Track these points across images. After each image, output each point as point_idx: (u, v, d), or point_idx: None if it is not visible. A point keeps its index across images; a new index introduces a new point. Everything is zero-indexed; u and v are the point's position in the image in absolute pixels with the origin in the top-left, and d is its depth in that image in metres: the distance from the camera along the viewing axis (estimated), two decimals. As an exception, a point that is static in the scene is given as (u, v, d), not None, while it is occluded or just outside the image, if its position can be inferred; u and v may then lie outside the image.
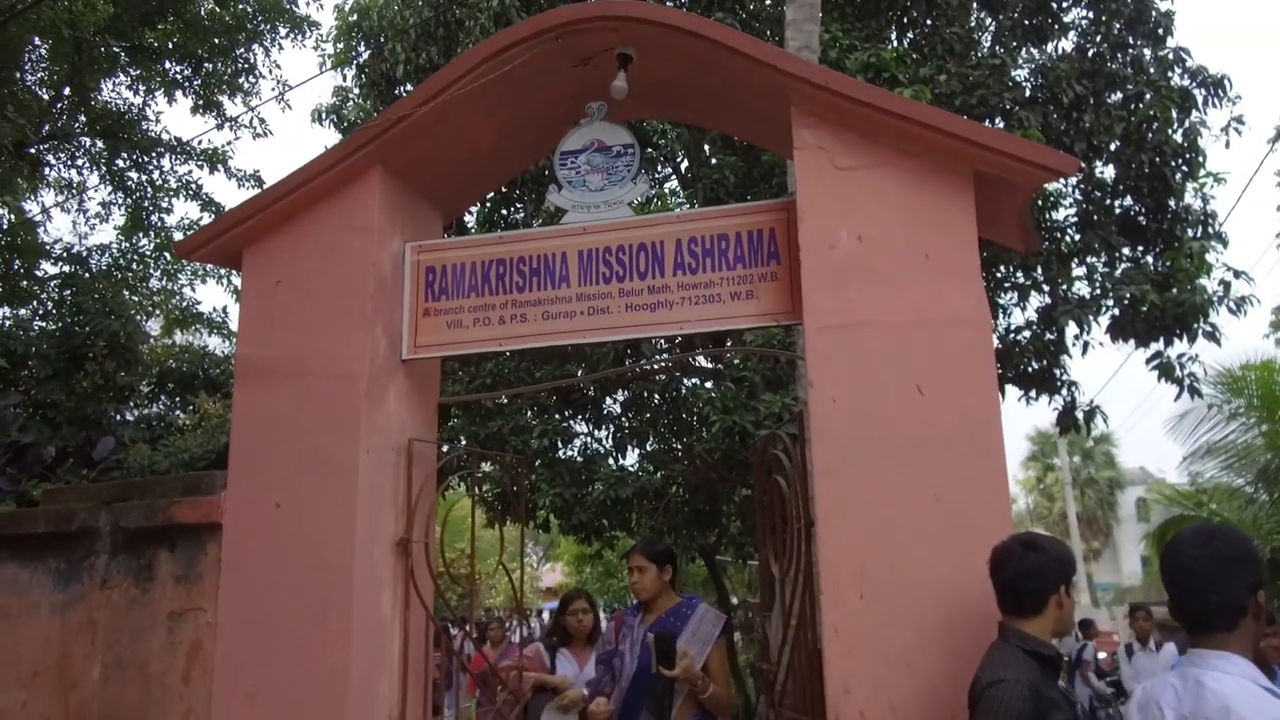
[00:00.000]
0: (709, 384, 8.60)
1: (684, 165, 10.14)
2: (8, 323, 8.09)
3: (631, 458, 9.94)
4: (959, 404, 3.15)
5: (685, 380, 9.63)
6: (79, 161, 9.78)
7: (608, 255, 3.76)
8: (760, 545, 4.11)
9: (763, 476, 4.03)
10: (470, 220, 9.90)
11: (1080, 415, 9.76)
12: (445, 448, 7.98)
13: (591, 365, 8.46)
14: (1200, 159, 9.61)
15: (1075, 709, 2.65)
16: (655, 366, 7.72)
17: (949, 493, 3.09)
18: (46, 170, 9.81)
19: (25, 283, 8.73)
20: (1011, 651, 2.63)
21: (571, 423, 9.66)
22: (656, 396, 9.99)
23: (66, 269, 8.57)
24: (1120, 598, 31.55)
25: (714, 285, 3.63)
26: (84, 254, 8.95)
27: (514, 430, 8.91)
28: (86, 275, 8.39)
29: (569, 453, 9.97)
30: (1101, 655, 11.56)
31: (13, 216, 9.18)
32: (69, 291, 7.80)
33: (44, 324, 8.20)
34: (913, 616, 3.01)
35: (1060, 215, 10.36)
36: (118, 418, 7.56)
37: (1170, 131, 9.39)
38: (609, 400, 10.09)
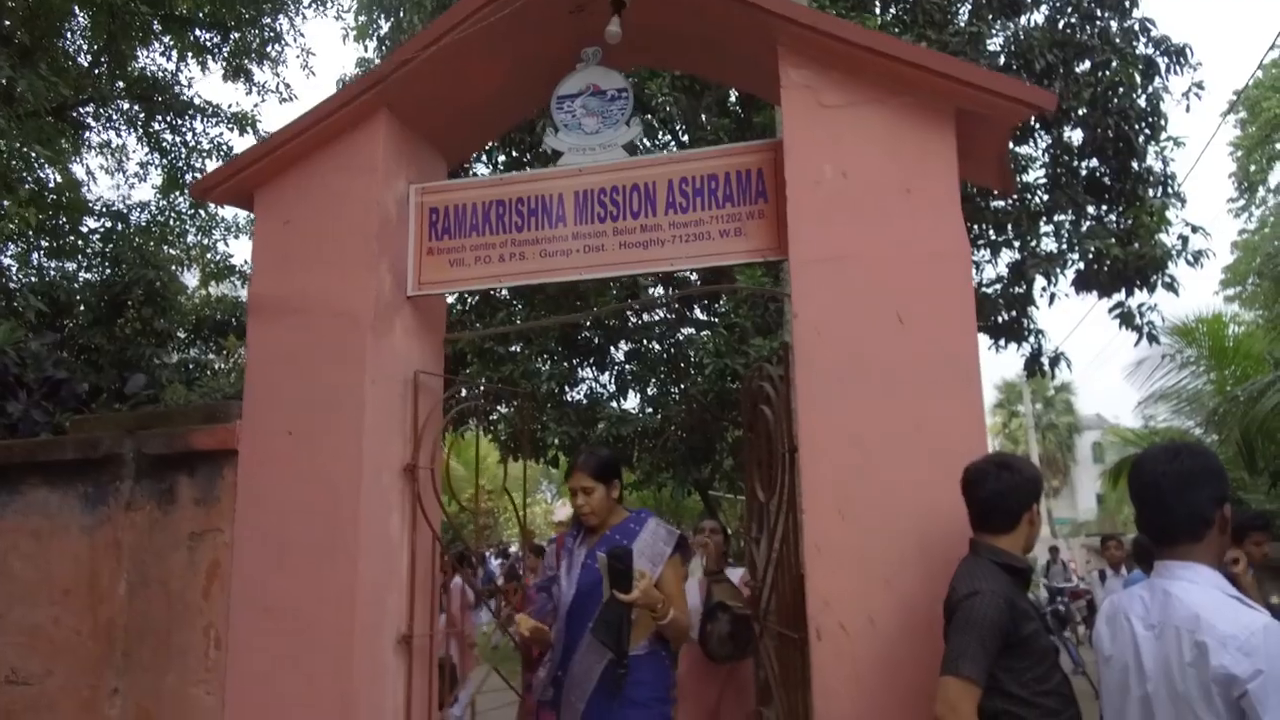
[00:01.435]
0: (705, 333, 8.38)
1: (681, 130, 9.86)
2: (53, 274, 7.90)
3: (632, 401, 9.79)
4: (938, 334, 2.96)
5: (682, 330, 9.43)
6: (117, 124, 9.51)
7: (602, 196, 3.55)
8: (748, 475, 3.95)
9: (750, 408, 3.86)
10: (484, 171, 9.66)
11: (1045, 361, 9.58)
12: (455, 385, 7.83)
13: (600, 314, 8.27)
14: (1162, 123, 9.33)
15: (1044, 620, 2.50)
16: (653, 307, 7.47)
17: (927, 418, 2.91)
18: (88, 134, 9.57)
19: (70, 238, 8.50)
20: (985, 565, 2.48)
21: (578, 368, 9.49)
22: (656, 345, 9.80)
23: (107, 224, 8.35)
24: (1076, 530, 31.63)
25: (704, 224, 3.43)
26: (124, 211, 8.71)
27: (525, 374, 8.74)
28: (126, 230, 8.16)
29: (575, 396, 9.81)
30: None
31: (58, 177, 8.93)
32: (109, 245, 7.60)
33: (87, 275, 8.01)
34: (891, 536, 2.85)
35: (1030, 177, 10.11)
36: (157, 361, 7.39)
37: (1135, 97, 9.11)
38: (613, 349, 9.92)
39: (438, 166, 4.01)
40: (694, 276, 8.59)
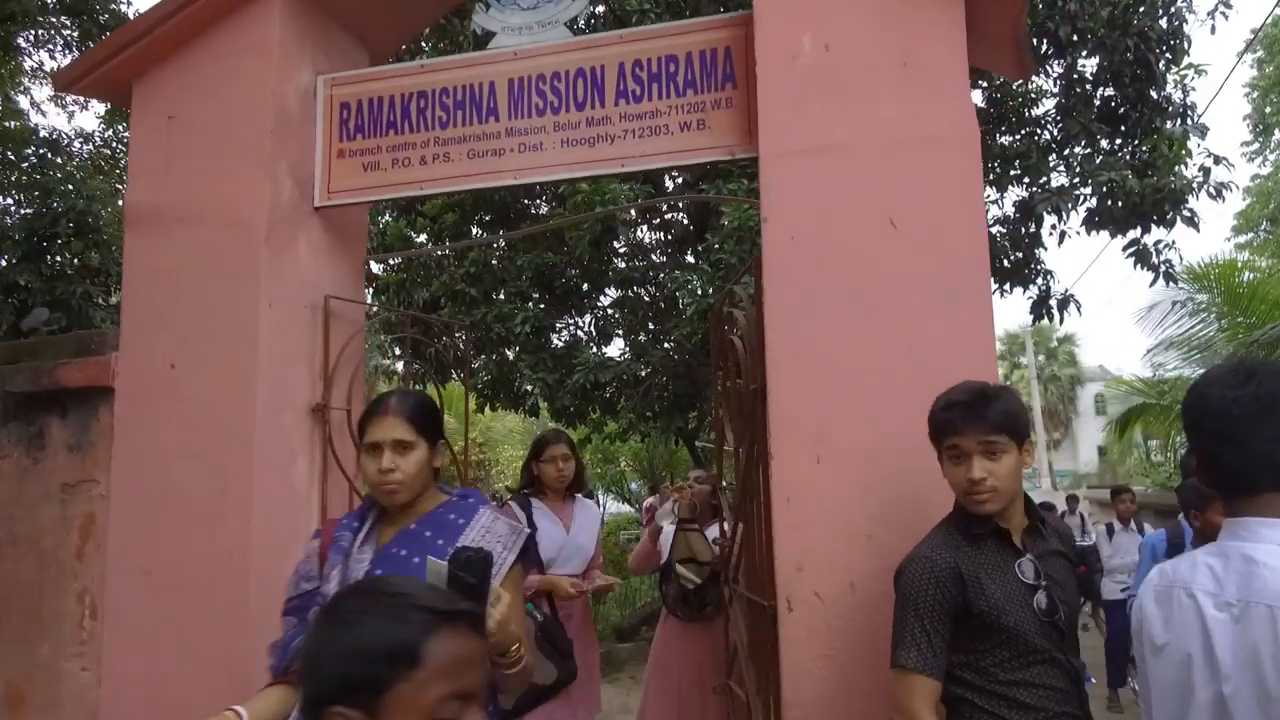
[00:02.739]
0: (691, 276, 7.77)
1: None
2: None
3: (618, 347, 9.25)
4: (939, 239, 2.42)
5: (674, 274, 8.83)
6: (53, 45, 8.82)
7: (541, 84, 2.98)
8: (716, 416, 3.43)
9: (718, 339, 3.32)
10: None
11: (1054, 304, 9.02)
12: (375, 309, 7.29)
13: (572, 251, 7.68)
14: (1185, 45, 8.64)
15: (1049, 591, 1.97)
16: (608, 215, 6.79)
17: (924, 343, 2.38)
18: (23, 59, 8.87)
19: (4, 167, 7.92)
20: (942, 523, 2.02)
21: (557, 314, 8.92)
22: (643, 292, 9.25)
23: (45, 154, 7.75)
24: (1077, 483, 31.30)
25: (661, 115, 2.86)
26: (58, 139, 8.08)
27: (498, 318, 8.19)
28: (62, 161, 7.56)
29: (554, 341, 9.27)
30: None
31: (-3, 103, 8.33)
32: (40, 175, 7.00)
33: (19, 209, 7.42)
34: (877, 484, 2.34)
35: (1040, 110, 9.46)
36: (99, 301, 6.86)
37: (1155, 17, 8.41)
38: (600, 296, 9.35)
39: (356, 58, 3.42)
40: (680, 176, 8.00)
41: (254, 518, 2.79)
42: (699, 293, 6.61)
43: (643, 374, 8.22)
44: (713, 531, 4.11)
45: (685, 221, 8.20)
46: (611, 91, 2.90)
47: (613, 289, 9.31)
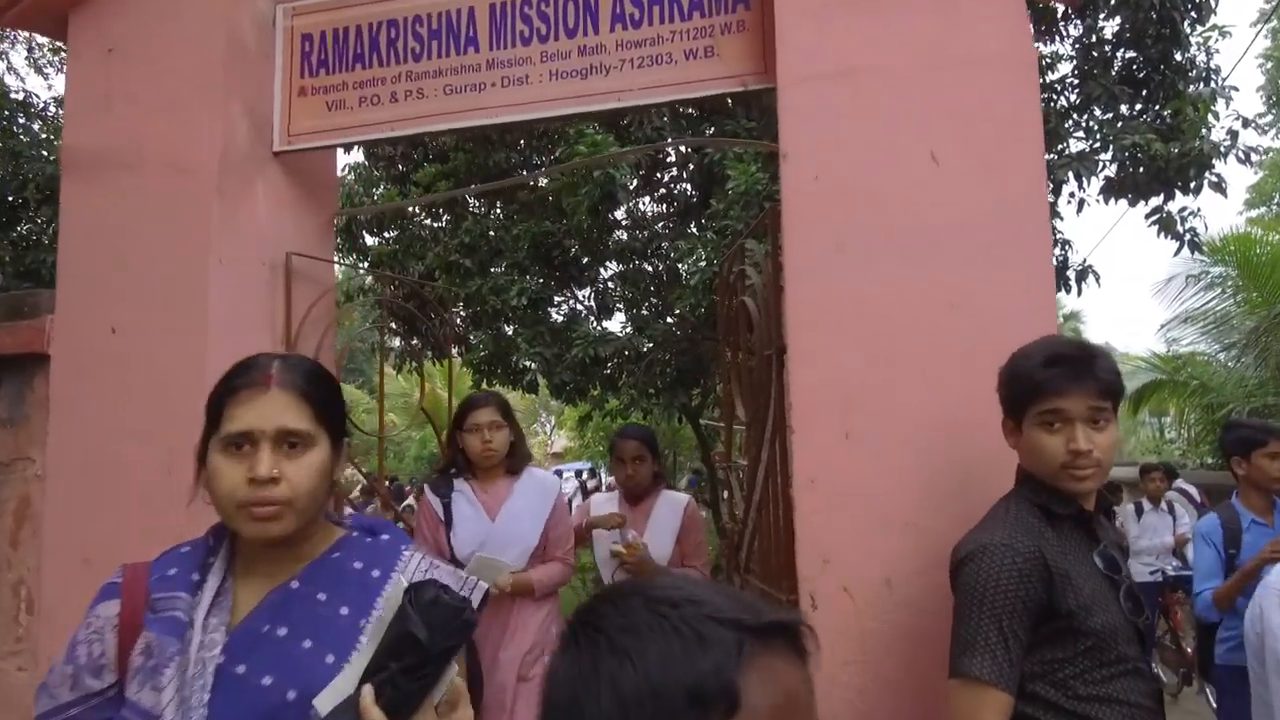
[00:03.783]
0: (699, 247, 7.33)
1: None
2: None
3: (619, 321, 8.90)
4: (990, 177, 2.06)
5: (678, 245, 8.45)
6: None
7: (526, 8, 2.61)
8: (725, 387, 3.09)
9: (727, 300, 2.98)
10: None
11: (1072, 275, 8.64)
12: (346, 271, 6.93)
13: (570, 219, 7.29)
14: (1212, 3, 8.22)
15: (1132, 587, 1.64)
16: (617, 158, 6.36)
17: (971, 298, 2.03)
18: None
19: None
20: (1013, 506, 1.67)
21: (555, 286, 8.55)
22: (646, 265, 8.87)
23: (14, 117, 7.37)
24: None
25: (663, 42, 2.50)
26: (37, 104, 7.70)
27: (493, 290, 7.83)
28: (31, 123, 7.19)
29: (553, 315, 8.92)
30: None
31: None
32: (5, 134, 6.64)
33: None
34: (917, 462, 2.00)
35: (1056, 75, 9.04)
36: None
37: (1183, -27, 7.99)
38: (600, 269, 8.98)
39: (323, -12, 3.04)
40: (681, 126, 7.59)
41: (202, 499, 2.45)
42: (704, 262, 6.24)
43: (645, 349, 7.87)
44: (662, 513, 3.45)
45: (689, 191, 7.80)
46: (606, 16, 2.54)
47: (613, 262, 8.95)
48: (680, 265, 7.43)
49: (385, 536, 1.32)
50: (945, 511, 1.96)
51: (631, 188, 7.35)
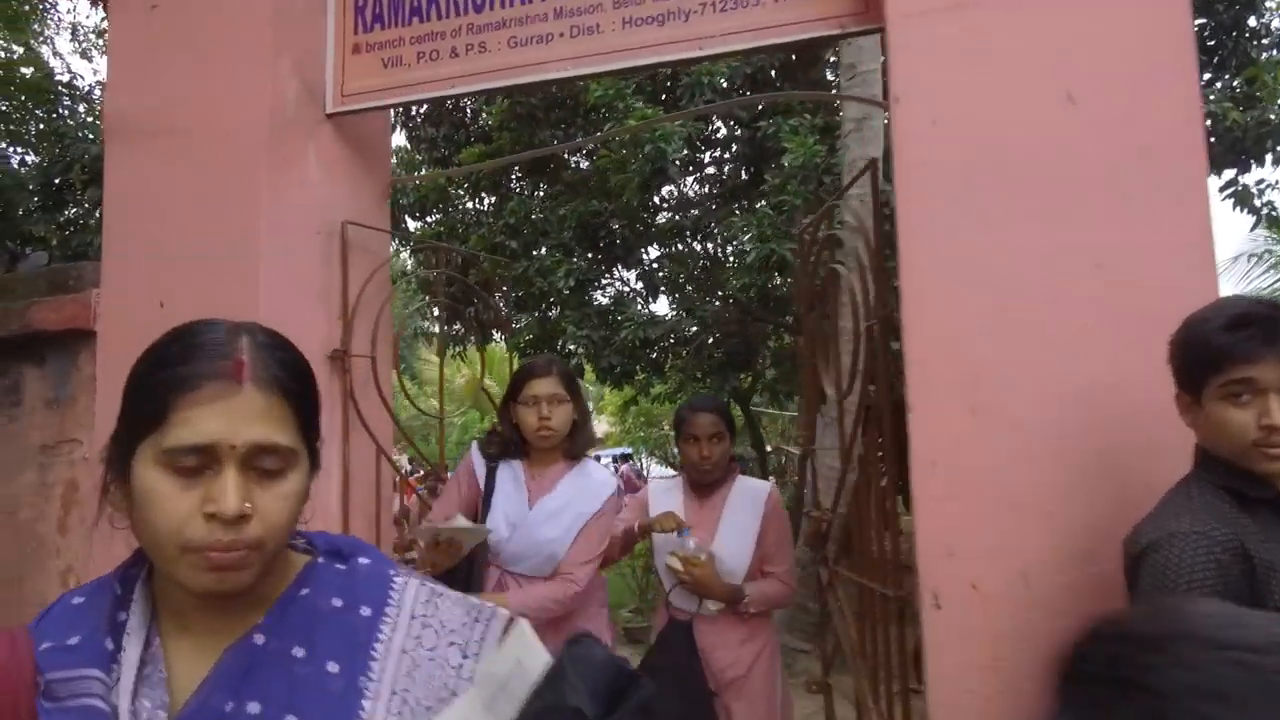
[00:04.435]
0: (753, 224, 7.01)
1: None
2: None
3: (664, 305, 8.69)
4: (1136, 120, 1.81)
5: (724, 225, 8.20)
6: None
7: (598, -51, 2.39)
8: (805, 357, 2.86)
9: (808, 265, 2.74)
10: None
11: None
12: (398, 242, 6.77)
13: (617, 198, 7.08)
14: (1290, -36, 7.77)
15: None
16: (690, 116, 6.04)
17: (1117, 257, 1.78)
18: (44, 4, 8.46)
19: (17, 116, 7.51)
20: (1194, 490, 1.42)
21: (602, 267, 8.36)
22: (695, 244, 8.64)
23: (65, 107, 7.34)
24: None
25: (749, -18, 2.26)
26: (83, 87, 7.67)
27: (539, 271, 7.66)
28: (77, 107, 7.15)
29: (598, 298, 8.74)
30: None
31: (20, 50, 7.88)
32: (51, 116, 6.57)
33: (33, 157, 7.02)
34: (1056, 443, 1.76)
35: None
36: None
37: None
38: (643, 251, 8.76)
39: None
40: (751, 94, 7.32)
41: (259, 486, 2.29)
42: (758, 237, 5.99)
43: (693, 331, 7.65)
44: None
45: (740, 167, 7.54)
46: (687, -45, 2.31)
47: (659, 244, 8.73)
48: (732, 244, 7.19)
49: (363, 560, 0.93)
50: (1089, 499, 1.73)
51: (681, 164, 7.10)
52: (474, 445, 2.68)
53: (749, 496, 2.85)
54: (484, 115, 8.90)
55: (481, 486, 2.56)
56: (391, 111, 3.05)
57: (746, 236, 6.08)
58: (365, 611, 0.88)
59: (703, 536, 2.79)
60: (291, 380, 0.89)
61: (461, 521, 2.40)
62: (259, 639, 0.84)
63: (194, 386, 0.82)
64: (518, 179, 8.87)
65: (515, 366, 2.80)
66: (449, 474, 2.91)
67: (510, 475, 2.54)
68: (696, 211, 7.85)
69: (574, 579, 2.43)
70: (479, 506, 2.57)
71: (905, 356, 1.86)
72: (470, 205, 9.42)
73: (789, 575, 2.82)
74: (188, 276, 2.42)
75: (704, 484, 2.90)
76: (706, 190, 8.12)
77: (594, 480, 2.58)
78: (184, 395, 0.81)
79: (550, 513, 2.46)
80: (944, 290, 1.84)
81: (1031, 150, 1.84)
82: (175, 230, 2.45)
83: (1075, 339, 1.77)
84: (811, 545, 2.70)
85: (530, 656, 0.80)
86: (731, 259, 7.75)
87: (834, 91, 5.71)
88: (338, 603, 0.88)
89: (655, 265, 8.78)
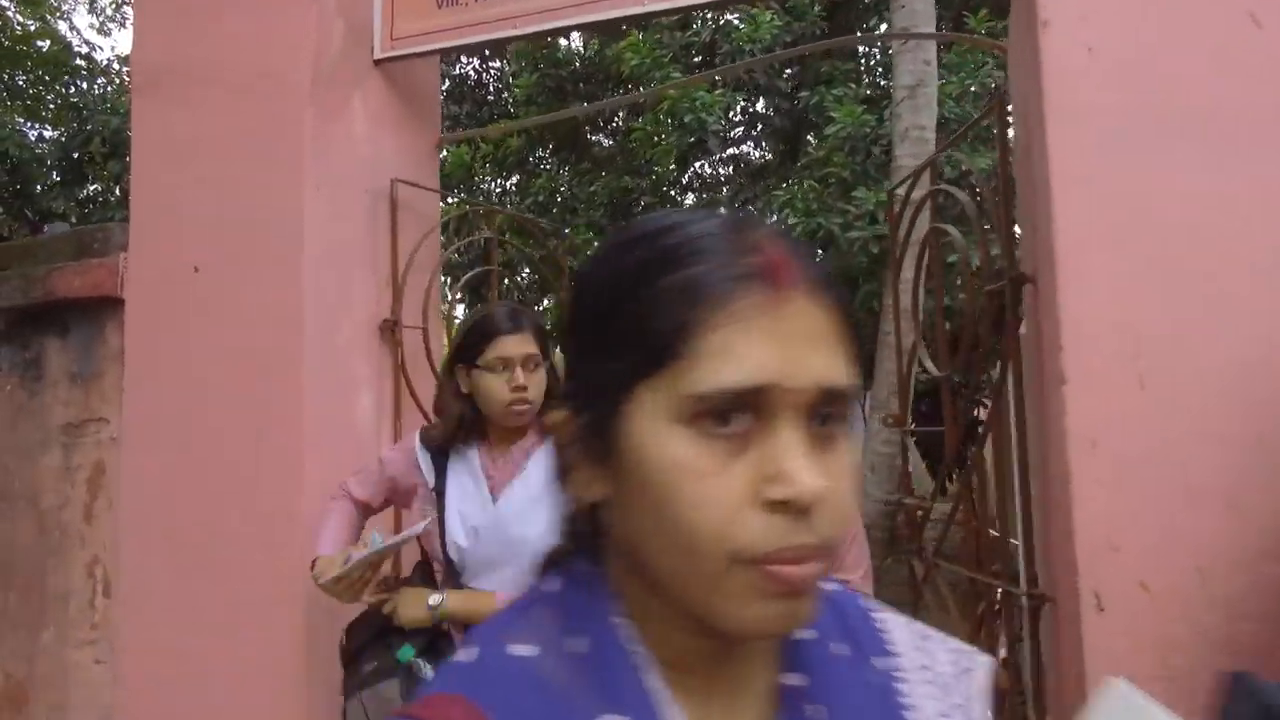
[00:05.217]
0: (782, 188, 6.66)
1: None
2: (19, 133, 6.72)
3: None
4: (1334, 41, 1.55)
5: (768, 196, 7.90)
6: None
7: None
8: (916, 323, 2.61)
9: (898, 225, 2.50)
10: None
11: None
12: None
13: (663, 167, 6.82)
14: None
15: None
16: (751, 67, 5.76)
17: (1310, 202, 1.53)
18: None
19: (37, 90, 7.31)
20: None
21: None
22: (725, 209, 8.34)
23: (85, 82, 7.13)
24: None
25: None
26: (102, 60, 7.47)
27: (568, 250, 7.43)
28: (95, 81, 6.94)
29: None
30: None
31: (34, 24, 7.70)
32: (69, 91, 6.37)
33: (52, 132, 6.82)
34: (1238, 419, 1.52)
35: None
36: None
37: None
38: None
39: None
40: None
41: (307, 469, 2.08)
42: (803, 210, 5.72)
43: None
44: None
45: (777, 142, 7.26)
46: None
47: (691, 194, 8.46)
48: (772, 219, 6.93)
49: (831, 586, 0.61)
50: (1276, 485, 1.49)
51: (719, 136, 6.83)
52: (415, 436, 1.90)
53: None
54: (506, 94, 8.67)
55: (430, 482, 1.84)
56: (440, 61, 2.82)
57: (790, 205, 5.80)
58: (879, 664, 0.59)
59: None
60: (836, 292, 0.53)
61: (378, 542, 1.71)
62: (811, 711, 0.54)
63: (727, 298, 0.47)
64: (544, 157, 8.63)
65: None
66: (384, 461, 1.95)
67: (464, 466, 1.84)
68: (729, 188, 7.58)
69: None
70: (439, 520, 1.82)
71: (1055, 322, 1.61)
72: (496, 183, 9.19)
73: (868, 581, 1.84)
74: (224, 238, 2.20)
75: None
76: (742, 165, 7.85)
77: None
78: (714, 312, 0.47)
79: (524, 501, 1.77)
80: (1104, 245, 1.59)
81: (1207, 82, 1.59)
82: (210, 189, 2.23)
83: (1259, 301, 1.53)
84: (905, 536, 2.47)
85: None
86: (771, 213, 7.50)
87: (890, 51, 5.44)
88: (844, 649, 0.58)
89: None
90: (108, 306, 2.32)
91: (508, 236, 7.94)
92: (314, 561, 1.78)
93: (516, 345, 1.77)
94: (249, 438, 2.12)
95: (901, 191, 2.53)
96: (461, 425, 1.83)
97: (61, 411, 2.38)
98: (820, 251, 6.02)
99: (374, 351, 2.36)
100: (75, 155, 5.83)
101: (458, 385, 1.83)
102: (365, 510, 1.93)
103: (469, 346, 1.80)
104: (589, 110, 4.95)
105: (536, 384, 1.79)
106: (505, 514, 1.76)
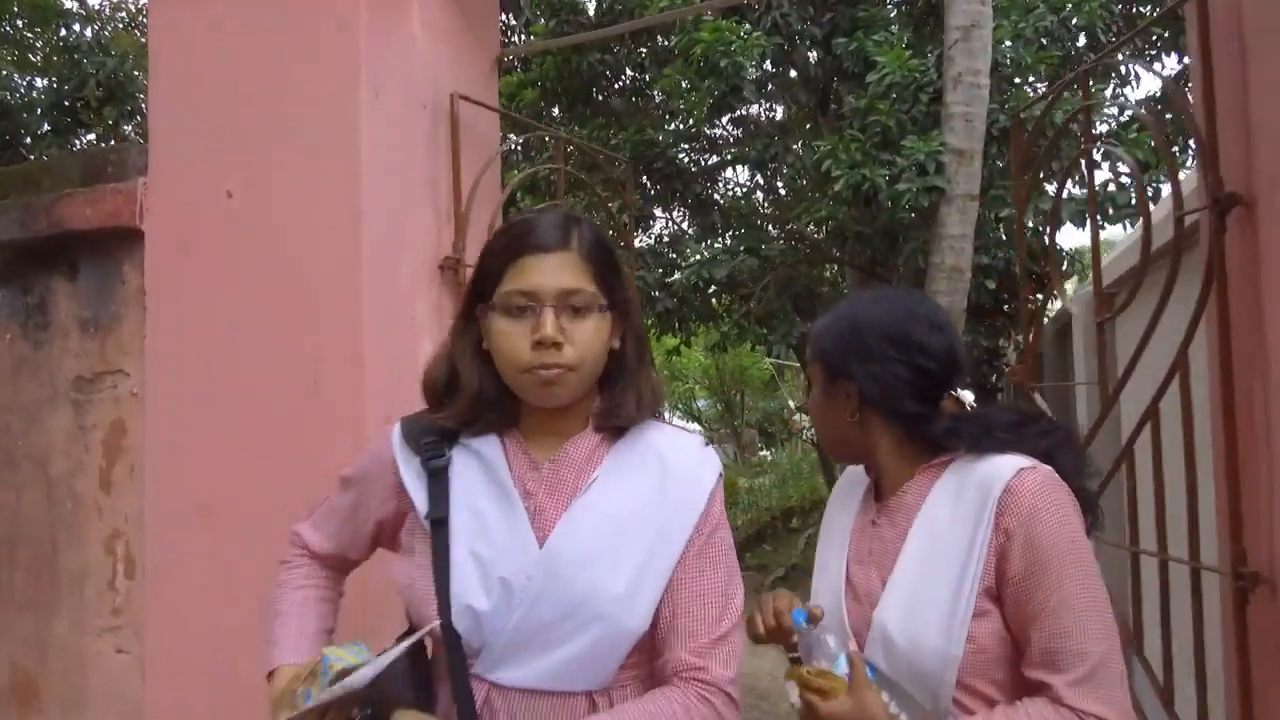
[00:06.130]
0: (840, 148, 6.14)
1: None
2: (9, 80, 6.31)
3: (720, 244, 8.11)
4: None
5: (808, 148, 7.52)
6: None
7: None
8: (1021, 261, 2.31)
9: (1028, 150, 2.18)
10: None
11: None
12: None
13: (696, 116, 6.43)
14: None
15: None
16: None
17: None
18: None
19: (25, 39, 6.89)
20: None
21: (654, 198, 7.78)
22: (761, 179, 8.02)
23: (79, 28, 6.71)
24: None
25: None
26: (99, 6, 7.04)
27: (588, 207, 7.09)
28: (87, 29, 6.51)
29: (646, 242, 8.18)
30: None
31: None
32: (63, 33, 5.97)
33: (44, 81, 6.42)
34: None
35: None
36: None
37: None
38: (707, 187, 8.13)
39: None
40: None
41: (366, 428, 1.77)
42: (847, 163, 5.38)
43: (755, 269, 7.07)
44: None
45: (811, 92, 6.89)
46: None
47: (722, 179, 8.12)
48: (805, 175, 6.61)
49: None
50: None
51: (757, 84, 6.47)
52: (394, 430, 1.23)
53: (964, 489, 1.14)
54: (519, 43, 8.27)
55: (421, 505, 1.16)
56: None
57: (834, 157, 5.44)
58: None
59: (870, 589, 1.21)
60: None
61: (326, 682, 1.09)
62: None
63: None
64: (560, 109, 8.25)
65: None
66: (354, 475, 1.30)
67: (482, 474, 1.17)
68: (762, 142, 7.22)
69: (712, 680, 1.09)
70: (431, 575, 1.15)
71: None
72: (510, 138, 8.83)
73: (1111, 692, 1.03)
74: (264, 157, 1.88)
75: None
76: (766, 120, 7.51)
77: (680, 456, 1.19)
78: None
79: (597, 536, 1.12)
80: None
81: None
82: (245, 98, 1.90)
83: None
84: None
85: None
86: (808, 190, 7.16)
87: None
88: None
89: (717, 199, 8.20)
90: (125, 240, 2.00)
91: (521, 197, 7.62)
92: (271, 672, 1.23)
93: (552, 271, 1.09)
94: (297, 393, 1.81)
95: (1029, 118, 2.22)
96: (479, 405, 1.15)
97: (72, 364, 2.06)
98: (866, 205, 5.71)
99: (434, 294, 2.05)
100: (68, 103, 5.45)
101: (476, 337, 1.16)
102: (337, 567, 1.33)
103: (485, 272, 1.15)
104: (637, 26, 4.61)
105: (583, 338, 1.10)
106: (563, 556, 1.09)
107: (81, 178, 2.04)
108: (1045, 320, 6.62)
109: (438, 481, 1.15)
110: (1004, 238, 6.02)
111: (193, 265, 1.93)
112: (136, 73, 5.71)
